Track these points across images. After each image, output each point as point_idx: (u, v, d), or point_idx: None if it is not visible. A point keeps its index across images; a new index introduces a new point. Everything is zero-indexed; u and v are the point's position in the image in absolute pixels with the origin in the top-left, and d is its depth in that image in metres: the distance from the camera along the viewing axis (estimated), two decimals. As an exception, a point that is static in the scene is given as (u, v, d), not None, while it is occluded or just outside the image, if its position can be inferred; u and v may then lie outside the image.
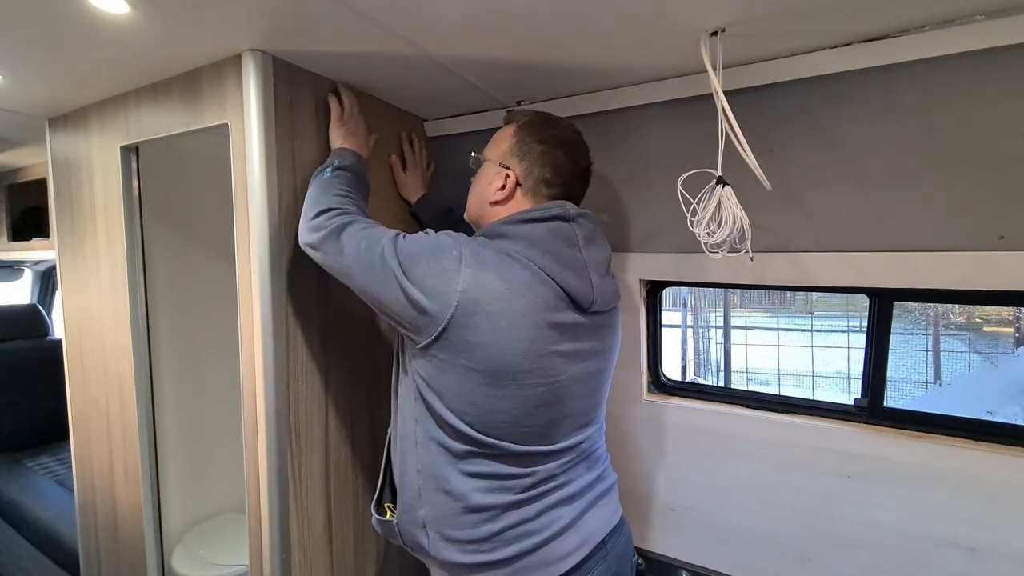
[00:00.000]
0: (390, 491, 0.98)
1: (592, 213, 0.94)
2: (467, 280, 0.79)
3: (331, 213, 0.91)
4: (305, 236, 0.92)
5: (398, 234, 0.87)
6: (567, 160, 0.93)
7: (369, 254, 0.84)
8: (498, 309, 0.79)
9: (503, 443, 0.84)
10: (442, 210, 1.31)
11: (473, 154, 1.00)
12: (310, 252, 0.92)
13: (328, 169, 0.99)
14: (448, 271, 0.80)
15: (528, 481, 0.86)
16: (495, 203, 0.94)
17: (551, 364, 0.84)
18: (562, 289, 0.85)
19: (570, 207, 0.90)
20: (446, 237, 0.85)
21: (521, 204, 0.92)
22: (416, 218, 1.33)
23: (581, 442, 0.94)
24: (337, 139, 1.07)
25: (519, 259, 0.84)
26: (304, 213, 0.94)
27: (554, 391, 0.85)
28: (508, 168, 0.93)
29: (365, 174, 1.05)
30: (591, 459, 0.97)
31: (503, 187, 0.92)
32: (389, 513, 0.95)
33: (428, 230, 0.89)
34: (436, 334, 0.80)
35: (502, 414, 0.83)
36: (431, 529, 0.87)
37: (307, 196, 0.97)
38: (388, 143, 1.26)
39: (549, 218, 0.88)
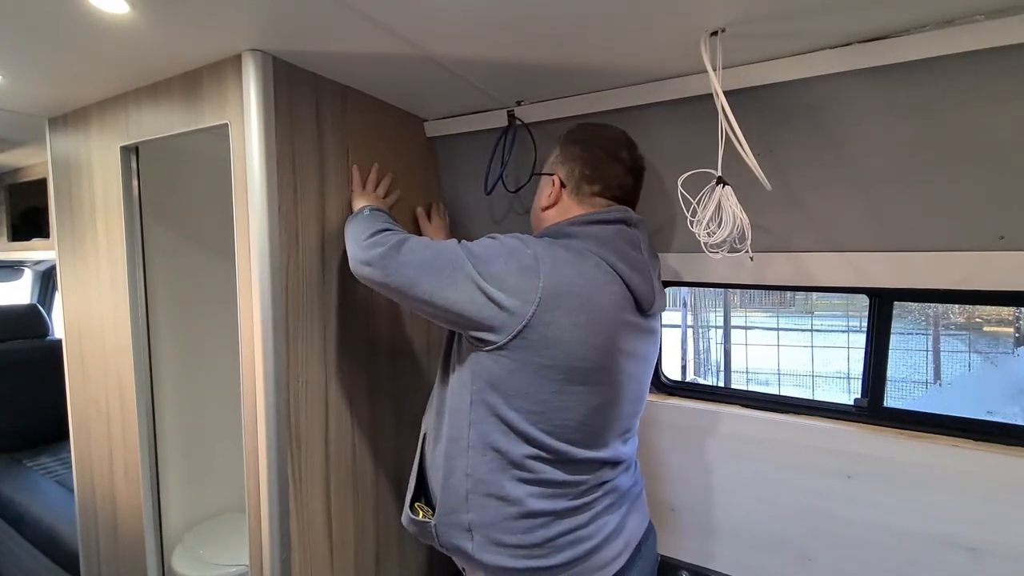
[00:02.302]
0: (424, 492, 0.97)
1: (648, 221, 0.98)
2: (547, 276, 0.80)
3: (386, 233, 0.94)
4: (361, 255, 0.92)
5: (462, 241, 0.89)
6: (605, 155, 0.94)
7: (437, 261, 0.85)
8: (578, 304, 0.81)
9: (563, 445, 0.84)
10: None
11: (533, 174, 1.07)
12: (366, 271, 0.91)
13: (365, 209, 1.04)
14: (527, 268, 0.81)
15: (581, 488, 0.87)
16: (546, 208, 0.98)
17: (617, 362, 0.86)
18: (629, 289, 0.87)
19: (632, 214, 0.93)
20: (514, 239, 0.87)
21: (568, 205, 0.95)
22: None
23: (627, 453, 0.96)
24: (360, 201, 1.12)
25: (590, 256, 0.86)
26: (354, 240, 0.96)
27: (614, 390, 0.88)
28: (553, 174, 0.98)
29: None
30: (630, 467, 0.99)
31: (550, 193, 0.97)
32: (423, 513, 0.94)
33: (492, 235, 0.90)
34: (515, 332, 0.80)
35: (568, 412, 0.84)
36: (478, 533, 0.86)
37: (350, 232, 1.00)
38: (388, 143, 1.26)
39: (614, 220, 0.90)
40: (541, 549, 0.84)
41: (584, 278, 0.83)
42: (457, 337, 0.92)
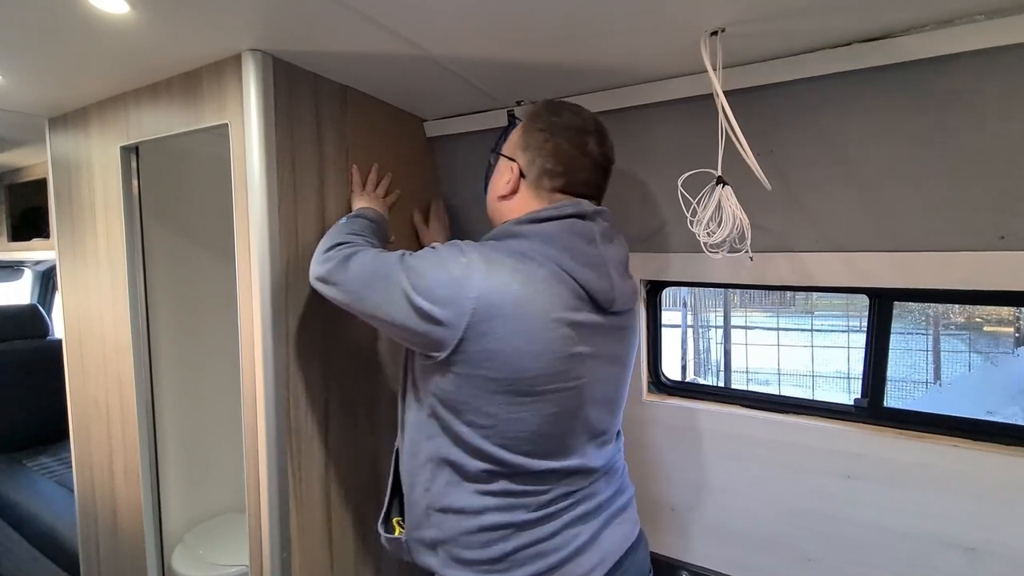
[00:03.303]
0: (399, 507, 0.95)
1: (609, 211, 0.89)
2: (480, 284, 0.75)
3: (341, 246, 0.91)
4: (315, 270, 0.91)
5: (404, 252, 0.85)
6: (571, 148, 0.86)
7: (375, 275, 0.83)
8: (515, 311, 0.75)
9: (521, 458, 0.80)
10: None
11: (492, 152, 0.98)
12: (321, 287, 0.90)
13: (344, 217, 1.03)
14: (458, 279, 0.76)
15: (543, 499, 0.82)
16: (502, 197, 0.91)
17: (571, 367, 0.80)
18: (581, 287, 0.81)
19: (587, 205, 0.85)
20: (451, 246, 0.82)
21: (526, 198, 0.89)
22: None
23: (603, 460, 0.90)
24: (359, 201, 1.13)
25: (534, 257, 0.80)
26: (315, 253, 0.94)
27: (573, 396, 0.82)
28: (514, 160, 0.90)
29: (383, 223, 1.08)
30: (610, 475, 0.92)
31: (508, 180, 0.89)
32: (398, 530, 0.92)
33: (435, 244, 0.85)
34: (454, 346, 0.76)
35: (521, 423, 0.79)
36: (441, 549, 0.84)
37: (321, 241, 0.98)
38: (388, 143, 1.26)
39: (565, 216, 0.83)
40: (501, 564, 0.81)
41: (523, 282, 0.76)
42: (410, 351, 0.89)
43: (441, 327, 0.76)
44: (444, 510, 0.83)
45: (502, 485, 0.81)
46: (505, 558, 0.81)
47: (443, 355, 0.78)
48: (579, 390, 0.82)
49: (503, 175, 0.91)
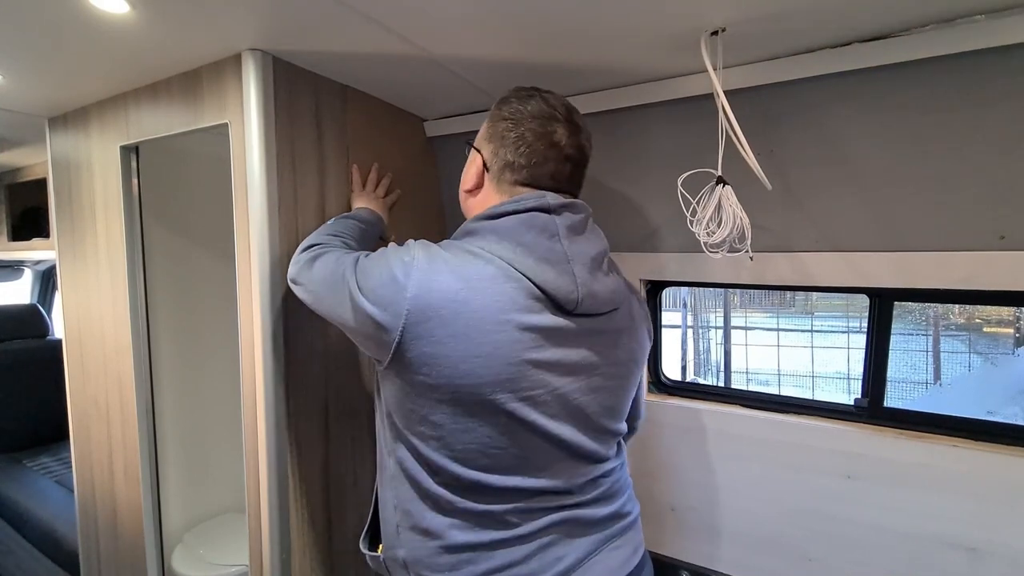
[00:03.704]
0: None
1: (583, 203, 0.81)
2: (416, 284, 0.70)
3: (313, 248, 0.90)
4: (289, 271, 0.90)
5: (363, 253, 0.82)
6: (535, 138, 0.78)
7: (332, 276, 0.80)
8: (452, 312, 0.69)
9: (477, 473, 0.74)
10: None
11: (465, 142, 0.92)
12: (293, 288, 0.89)
13: (332, 219, 1.02)
14: (397, 278, 0.71)
15: (511, 519, 0.75)
16: (468, 191, 0.85)
17: (524, 375, 0.71)
18: (535, 286, 0.72)
19: (551, 197, 0.77)
20: (404, 245, 0.78)
21: (489, 193, 0.82)
22: None
23: (584, 481, 0.80)
24: (359, 201, 1.12)
25: (482, 255, 0.73)
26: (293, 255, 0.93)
27: (530, 408, 0.73)
28: (479, 150, 0.83)
29: (379, 224, 1.07)
30: (604, 494, 0.83)
31: (473, 174, 0.83)
32: (381, 548, 0.87)
33: (391, 243, 0.82)
34: (392, 350, 0.71)
35: (470, 434, 0.73)
36: (412, 571, 0.78)
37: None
38: (388, 142, 1.26)
39: (524, 210, 0.75)
40: None
41: (464, 281, 0.70)
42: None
43: (381, 330, 0.71)
44: (412, 528, 0.78)
45: (463, 503, 0.74)
46: None
47: (386, 359, 0.73)
48: (535, 400, 0.73)
49: (469, 168, 0.85)
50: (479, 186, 0.83)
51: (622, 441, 0.90)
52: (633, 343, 0.86)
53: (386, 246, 0.83)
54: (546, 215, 0.76)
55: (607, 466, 0.84)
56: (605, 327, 0.80)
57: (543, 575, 0.74)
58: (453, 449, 0.74)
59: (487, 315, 0.70)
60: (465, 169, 0.87)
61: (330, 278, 0.81)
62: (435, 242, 0.79)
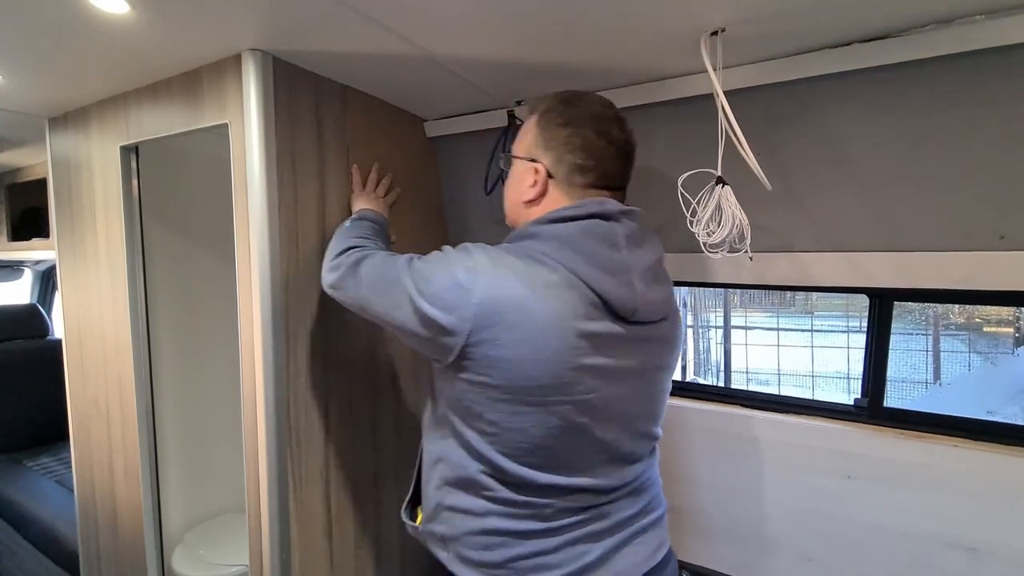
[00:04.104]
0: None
1: (640, 210, 0.83)
2: (484, 289, 0.72)
3: (349, 252, 0.92)
4: (326, 278, 0.94)
5: (413, 256, 0.84)
6: (597, 137, 0.81)
7: (384, 280, 0.83)
8: (519, 318, 0.72)
9: (523, 469, 0.77)
10: None
11: (502, 153, 0.94)
12: (333, 294, 0.92)
13: (347, 221, 1.04)
14: (463, 283, 0.73)
15: (547, 512, 0.79)
16: (529, 202, 0.85)
17: (580, 380, 0.75)
18: (596, 294, 0.75)
19: (611, 204, 0.80)
20: (461, 249, 0.79)
21: (557, 199, 0.83)
22: None
23: (619, 483, 0.83)
24: (359, 201, 1.13)
25: (546, 262, 0.75)
26: (325, 261, 0.96)
27: (580, 411, 0.76)
28: (536, 160, 0.84)
29: (385, 225, 1.09)
30: (636, 492, 0.86)
31: (534, 183, 0.84)
32: (420, 518, 0.92)
33: (446, 246, 0.83)
34: (458, 352, 0.74)
35: (523, 433, 0.76)
36: (450, 546, 0.84)
37: (327, 251, 0.99)
38: (388, 143, 1.26)
39: (585, 216, 0.78)
40: (503, 570, 0.79)
41: (530, 287, 0.72)
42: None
43: (445, 334, 0.74)
44: (452, 508, 0.83)
45: (505, 493, 0.79)
46: (506, 564, 0.79)
47: (448, 360, 0.76)
48: (587, 405, 0.76)
49: (525, 179, 0.85)
50: (543, 193, 0.84)
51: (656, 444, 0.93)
52: (674, 350, 0.90)
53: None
54: (607, 223, 0.78)
55: (641, 467, 0.87)
56: (653, 335, 0.84)
57: (568, 566, 0.78)
58: (504, 445, 0.78)
59: (550, 321, 0.72)
60: (517, 181, 0.88)
61: (381, 280, 0.83)
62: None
